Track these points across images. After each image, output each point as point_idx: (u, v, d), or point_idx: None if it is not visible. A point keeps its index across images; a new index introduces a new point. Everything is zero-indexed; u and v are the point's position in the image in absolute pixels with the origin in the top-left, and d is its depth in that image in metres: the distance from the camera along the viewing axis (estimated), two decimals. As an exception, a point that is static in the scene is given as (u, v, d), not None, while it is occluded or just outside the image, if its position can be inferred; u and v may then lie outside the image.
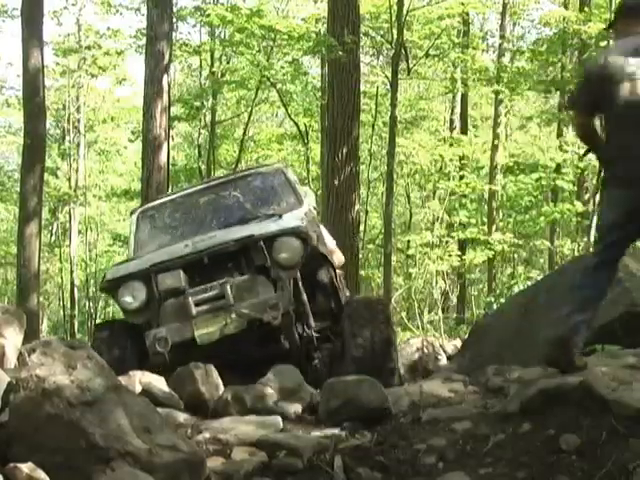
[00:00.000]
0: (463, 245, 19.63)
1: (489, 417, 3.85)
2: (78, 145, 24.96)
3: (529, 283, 14.29)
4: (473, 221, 19.93)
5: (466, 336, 9.41)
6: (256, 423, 4.15)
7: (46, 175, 16.64)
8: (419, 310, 16.77)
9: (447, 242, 18.09)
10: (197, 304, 5.87)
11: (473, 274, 22.93)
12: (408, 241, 21.07)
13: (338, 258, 7.30)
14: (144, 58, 12.42)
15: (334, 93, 13.26)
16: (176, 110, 18.87)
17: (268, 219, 6.33)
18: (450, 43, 17.95)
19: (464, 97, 22.47)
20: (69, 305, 24.35)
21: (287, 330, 5.93)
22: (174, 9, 15.13)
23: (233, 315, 5.79)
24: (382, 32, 18.10)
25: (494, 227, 19.94)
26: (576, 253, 16.18)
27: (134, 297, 6.06)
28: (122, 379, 4.22)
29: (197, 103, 19.75)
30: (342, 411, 4.13)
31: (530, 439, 3.48)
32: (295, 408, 4.50)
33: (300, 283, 6.13)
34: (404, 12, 14.34)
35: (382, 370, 5.70)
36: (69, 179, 24.55)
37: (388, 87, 16.43)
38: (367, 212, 22.48)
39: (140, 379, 4.76)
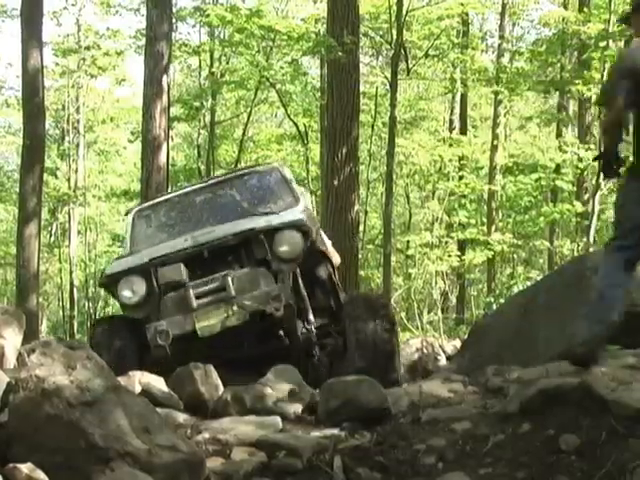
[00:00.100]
0: (462, 245, 19.63)
1: (489, 417, 3.84)
2: (77, 145, 24.94)
3: (528, 283, 14.31)
4: (472, 221, 19.92)
5: (465, 336, 9.41)
6: (255, 423, 4.14)
7: (45, 175, 16.63)
8: (418, 310, 16.81)
9: (446, 242, 18.10)
10: (198, 296, 5.85)
11: (472, 274, 22.91)
12: (407, 241, 21.07)
13: (335, 259, 7.30)
14: (143, 58, 12.43)
15: (333, 93, 13.26)
16: (175, 110, 18.85)
17: (267, 215, 6.32)
18: (449, 43, 17.99)
19: (463, 97, 22.45)
20: (68, 305, 24.35)
21: (289, 322, 5.89)
22: (174, 9, 15.15)
23: (235, 307, 5.77)
24: (381, 32, 18.12)
25: (493, 227, 19.92)
26: (575, 253, 16.17)
27: (134, 292, 6.04)
28: (121, 379, 4.22)
29: (196, 103, 19.76)
30: (341, 411, 4.12)
31: (530, 439, 3.47)
32: (295, 408, 4.49)
33: (300, 279, 6.12)
34: (403, 12, 14.36)
35: (385, 369, 5.70)
36: (68, 179, 24.54)
37: (387, 87, 16.45)
38: (367, 212, 22.46)
39: (139, 379, 4.76)
